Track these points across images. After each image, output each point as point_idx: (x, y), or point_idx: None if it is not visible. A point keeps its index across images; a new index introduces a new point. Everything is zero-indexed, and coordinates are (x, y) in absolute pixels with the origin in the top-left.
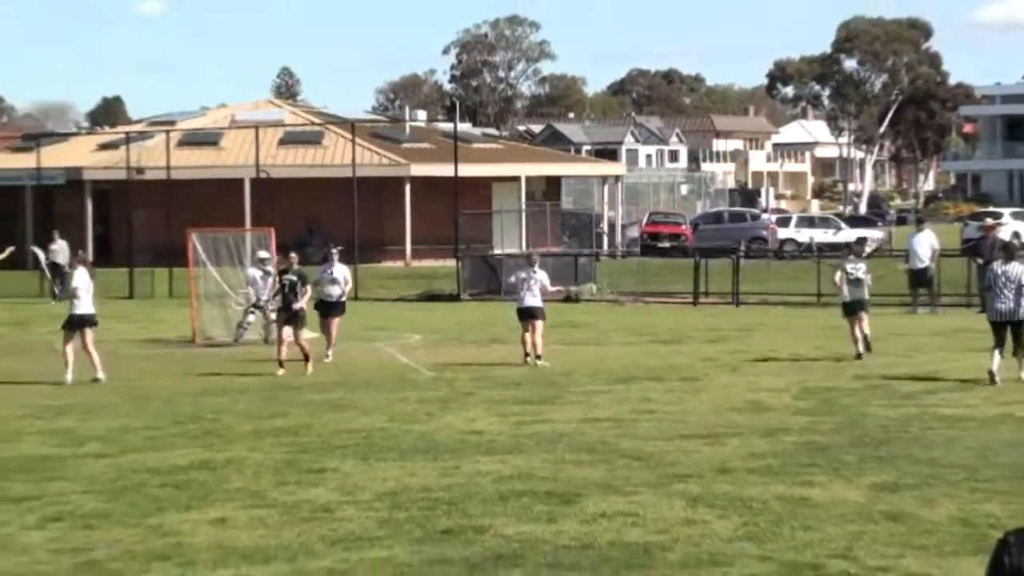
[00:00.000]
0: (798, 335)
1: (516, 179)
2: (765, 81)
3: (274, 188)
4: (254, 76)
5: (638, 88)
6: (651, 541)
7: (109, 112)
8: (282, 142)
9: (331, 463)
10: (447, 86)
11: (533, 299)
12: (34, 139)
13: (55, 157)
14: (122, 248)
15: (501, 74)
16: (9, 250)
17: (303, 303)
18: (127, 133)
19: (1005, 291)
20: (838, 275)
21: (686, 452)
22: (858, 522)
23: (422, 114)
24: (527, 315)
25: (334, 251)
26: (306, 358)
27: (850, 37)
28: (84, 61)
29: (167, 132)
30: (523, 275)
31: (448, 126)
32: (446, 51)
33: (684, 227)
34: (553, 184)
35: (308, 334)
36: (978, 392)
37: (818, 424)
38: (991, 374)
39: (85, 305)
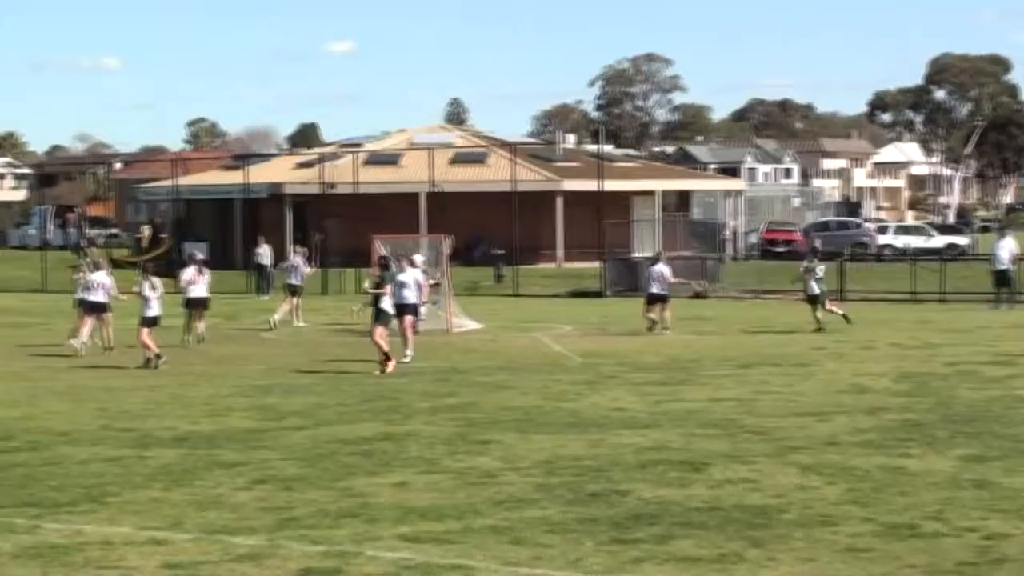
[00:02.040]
0: (895, 327)
1: (652, 193)
2: (866, 109)
3: (446, 201)
4: (428, 104)
5: (757, 115)
6: (769, 504)
7: (306, 135)
8: (452, 161)
9: (495, 436)
10: (593, 113)
11: (658, 288)
12: (242, 159)
13: (260, 174)
14: (316, 252)
15: (639, 103)
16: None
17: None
18: (321, 154)
19: None
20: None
21: (799, 427)
22: (948, 489)
23: (571, 137)
24: (654, 299)
25: (416, 258)
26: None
27: (940, 70)
28: (285, 92)
29: (354, 153)
30: (652, 268)
31: (594, 148)
32: (592, 83)
33: (797, 234)
34: (684, 197)
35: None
36: None
37: (914, 404)
38: None
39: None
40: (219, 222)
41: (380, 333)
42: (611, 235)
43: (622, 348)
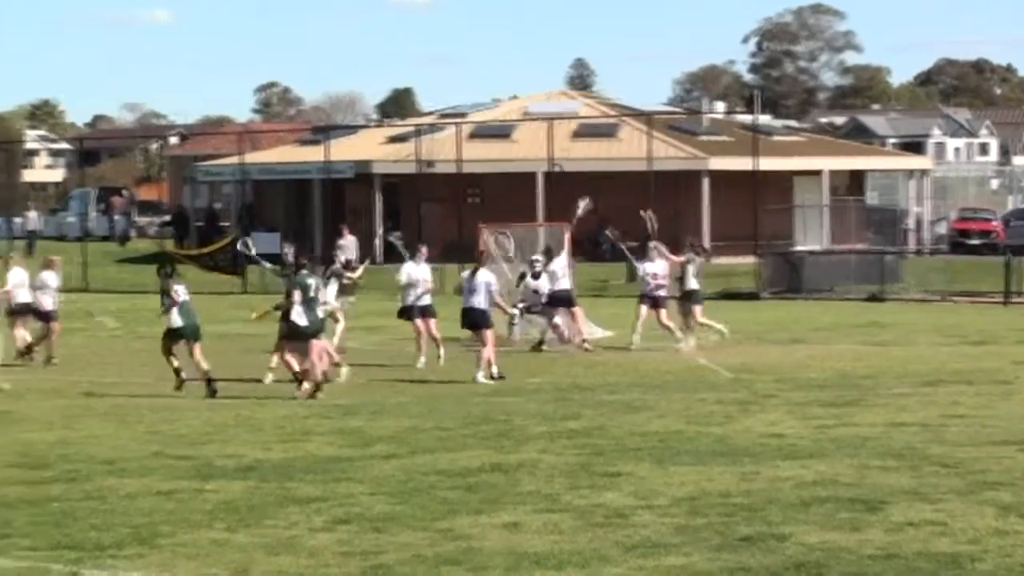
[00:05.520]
0: None
1: (818, 173)
2: None
3: (568, 182)
4: (547, 66)
5: (946, 78)
6: (960, 551)
7: (399, 103)
8: (576, 135)
9: (626, 466)
10: (747, 77)
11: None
12: (323, 132)
13: (344, 150)
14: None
15: (803, 64)
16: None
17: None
18: (417, 126)
19: None
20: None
21: (997, 459)
22: None
23: (720, 105)
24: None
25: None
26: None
27: None
28: (373, 50)
29: (458, 124)
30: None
31: (747, 118)
32: (745, 40)
33: (995, 223)
34: (856, 178)
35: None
36: None
37: None
38: None
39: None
40: (294, 208)
41: (289, 350)
42: (768, 224)
43: (781, 361)
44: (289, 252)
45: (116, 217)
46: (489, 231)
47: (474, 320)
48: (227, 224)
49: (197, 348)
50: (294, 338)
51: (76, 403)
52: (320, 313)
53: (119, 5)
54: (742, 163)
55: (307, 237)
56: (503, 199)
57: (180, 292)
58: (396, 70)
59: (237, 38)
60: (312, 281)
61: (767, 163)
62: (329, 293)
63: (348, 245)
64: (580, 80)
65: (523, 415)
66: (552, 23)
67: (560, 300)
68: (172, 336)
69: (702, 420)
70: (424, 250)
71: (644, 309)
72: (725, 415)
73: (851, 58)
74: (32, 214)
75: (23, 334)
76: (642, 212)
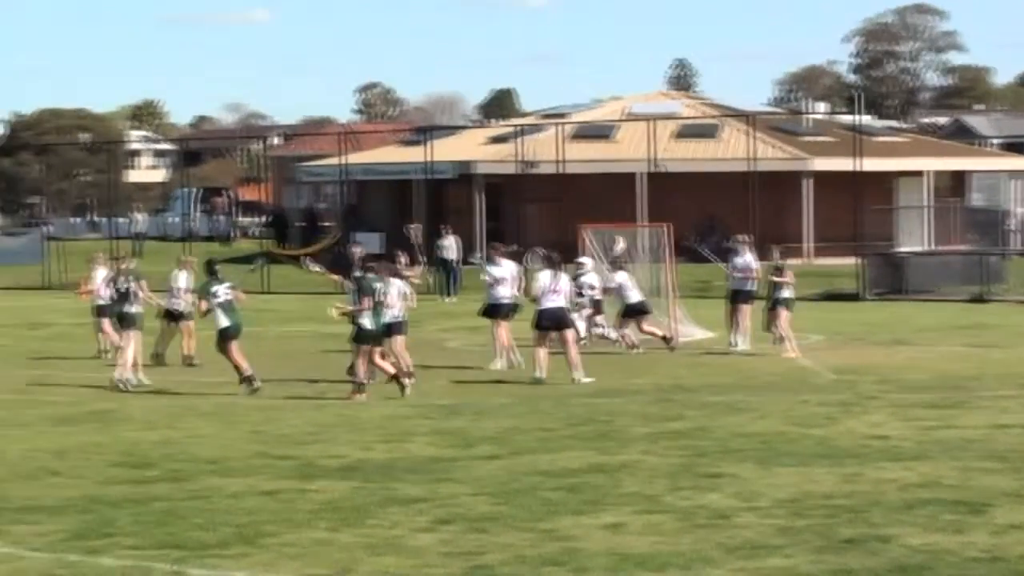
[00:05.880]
0: None
1: (920, 174)
2: None
3: (669, 182)
4: (648, 67)
5: None
6: None
7: (500, 104)
8: (677, 135)
9: (728, 468)
10: (849, 77)
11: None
12: (424, 132)
13: (445, 150)
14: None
15: (905, 64)
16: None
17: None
18: (519, 126)
19: None
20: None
21: None
22: None
23: (822, 106)
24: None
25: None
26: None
27: None
28: (474, 51)
29: (559, 125)
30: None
31: (849, 119)
32: (847, 40)
33: None
34: (959, 179)
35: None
36: None
37: None
38: None
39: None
40: (396, 208)
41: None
42: (870, 225)
43: (883, 363)
44: (358, 251)
45: (218, 217)
46: (591, 231)
47: (559, 320)
48: (328, 225)
49: (234, 345)
50: (363, 341)
51: (179, 402)
52: (400, 314)
53: (219, 6)
54: (844, 164)
55: (407, 238)
56: (604, 200)
57: (220, 292)
58: (497, 71)
59: (338, 38)
60: (379, 285)
61: (869, 164)
62: (393, 294)
63: (450, 245)
64: (681, 80)
65: (625, 416)
66: (653, 23)
67: (635, 312)
68: (225, 336)
69: (805, 421)
70: (501, 248)
71: (738, 307)
72: (828, 416)
73: (954, 58)
74: (139, 215)
75: (110, 334)
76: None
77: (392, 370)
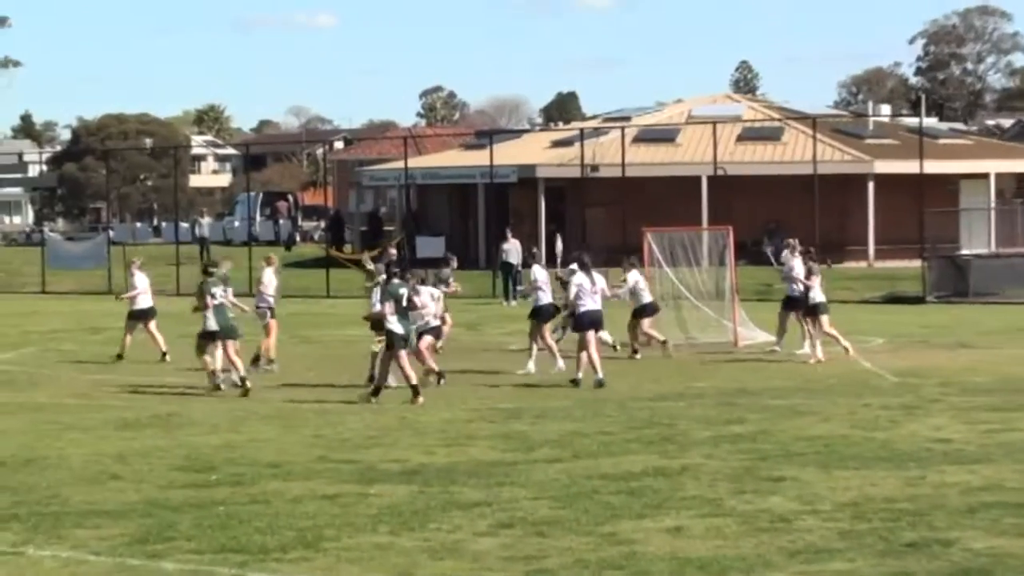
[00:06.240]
0: None
1: (985, 176)
2: None
3: (732, 186)
4: (710, 69)
5: None
6: None
7: (563, 107)
8: (740, 138)
9: (790, 471)
10: (912, 79)
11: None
12: (487, 136)
13: (508, 154)
14: (576, 248)
15: (970, 66)
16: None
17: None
18: (581, 130)
19: None
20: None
21: None
22: None
23: (886, 108)
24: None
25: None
26: None
27: None
28: (537, 55)
29: (622, 128)
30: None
31: (913, 121)
32: (911, 42)
33: None
34: (1023, 181)
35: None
36: None
37: None
38: None
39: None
40: (458, 212)
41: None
42: (934, 227)
43: (946, 366)
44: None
45: (281, 221)
46: (653, 234)
47: (598, 322)
48: (391, 228)
49: (231, 347)
50: (395, 346)
51: (240, 406)
52: (432, 320)
53: (283, 10)
54: (908, 166)
55: (470, 242)
56: (667, 203)
57: (218, 294)
58: (560, 74)
59: (401, 42)
60: (404, 291)
61: (933, 166)
62: (424, 300)
63: (512, 249)
64: (744, 83)
65: (687, 419)
66: (716, 25)
67: (646, 312)
68: (207, 337)
69: (867, 425)
70: (536, 252)
71: (785, 312)
72: (890, 420)
73: (1018, 60)
74: (204, 219)
75: (157, 337)
76: None
77: (414, 380)
